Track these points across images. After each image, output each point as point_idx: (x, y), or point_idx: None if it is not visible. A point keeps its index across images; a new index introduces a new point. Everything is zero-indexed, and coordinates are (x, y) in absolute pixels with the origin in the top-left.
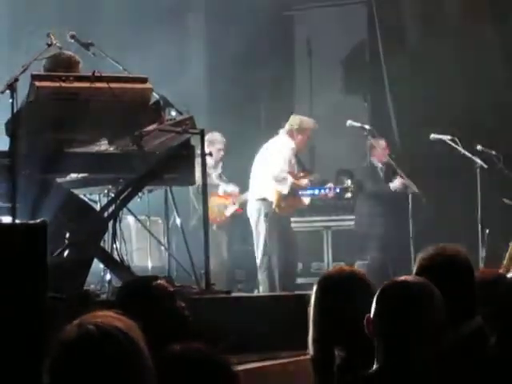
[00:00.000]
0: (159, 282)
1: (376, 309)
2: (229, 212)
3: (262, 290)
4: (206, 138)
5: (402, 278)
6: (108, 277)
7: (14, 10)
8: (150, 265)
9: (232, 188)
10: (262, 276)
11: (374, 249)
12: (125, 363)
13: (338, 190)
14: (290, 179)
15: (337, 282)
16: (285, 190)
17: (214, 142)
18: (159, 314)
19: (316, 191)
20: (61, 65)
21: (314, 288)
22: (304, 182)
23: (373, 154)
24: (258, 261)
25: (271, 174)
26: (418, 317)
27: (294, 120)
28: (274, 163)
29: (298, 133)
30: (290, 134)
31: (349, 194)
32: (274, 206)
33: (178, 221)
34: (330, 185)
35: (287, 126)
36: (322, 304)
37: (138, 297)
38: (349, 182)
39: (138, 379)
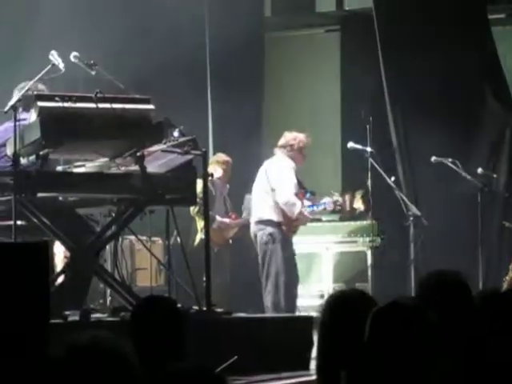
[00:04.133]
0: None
1: (368, 333)
2: (229, 235)
3: (267, 312)
4: (214, 159)
5: (392, 300)
6: (108, 296)
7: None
8: (150, 285)
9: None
10: (267, 297)
11: None
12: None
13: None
14: (299, 205)
15: (346, 302)
16: (294, 216)
17: (221, 162)
18: (172, 334)
19: (315, 208)
20: None
21: (322, 308)
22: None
23: None
24: (264, 283)
25: (280, 200)
26: (409, 339)
27: (289, 137)
28: (280, 188)
29: (295, 150)
30: (287, 152)
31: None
32: (284, 228)
33: (179, 241)
34: (327, 199)
35: (282, 144)
36: (330, 324)
37: (160, 314)
38: (337, 195)
39: None
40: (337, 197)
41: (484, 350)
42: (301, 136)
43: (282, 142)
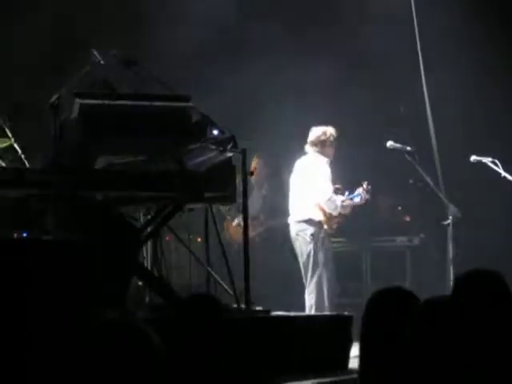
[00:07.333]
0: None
1: (410, 332)
2: (252, 233)
3: (308, 311)
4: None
5: (427, 299)
6: (147, 294)
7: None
8: (190, 283)
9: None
10: (309, 296)
11: None
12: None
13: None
14: (339, 200)
15: (388, 299)
16: (335, 212)
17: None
18: (215, 333)
19: (351, 197)
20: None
21: (366, 305)
22: (349, 202)
23: None
24: (307, 282)
25: (319, 198)
26: (446, 339)
27: (317, 132)
28: (317, 185)
29: (325, 143)
30: (319, 147)
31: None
32: (325, 226)
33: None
34: (360, 190)
35: (313, 140)
36: (373, 322)
37: (206, 312)
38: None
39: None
40: (366, 185)
41: None
42: (330, 129)
43: (311, 138)
